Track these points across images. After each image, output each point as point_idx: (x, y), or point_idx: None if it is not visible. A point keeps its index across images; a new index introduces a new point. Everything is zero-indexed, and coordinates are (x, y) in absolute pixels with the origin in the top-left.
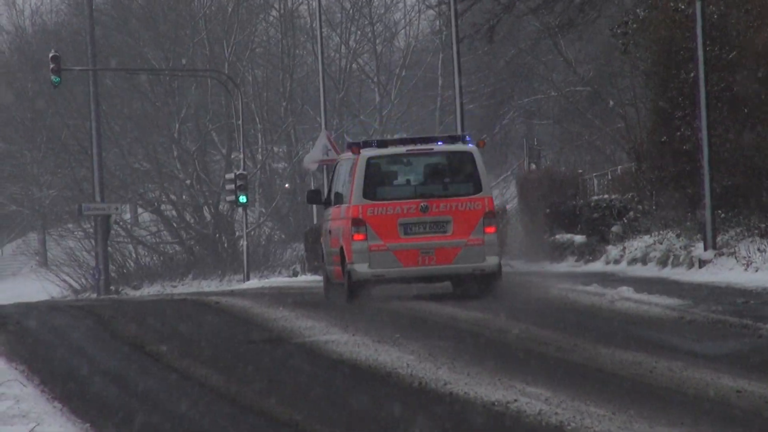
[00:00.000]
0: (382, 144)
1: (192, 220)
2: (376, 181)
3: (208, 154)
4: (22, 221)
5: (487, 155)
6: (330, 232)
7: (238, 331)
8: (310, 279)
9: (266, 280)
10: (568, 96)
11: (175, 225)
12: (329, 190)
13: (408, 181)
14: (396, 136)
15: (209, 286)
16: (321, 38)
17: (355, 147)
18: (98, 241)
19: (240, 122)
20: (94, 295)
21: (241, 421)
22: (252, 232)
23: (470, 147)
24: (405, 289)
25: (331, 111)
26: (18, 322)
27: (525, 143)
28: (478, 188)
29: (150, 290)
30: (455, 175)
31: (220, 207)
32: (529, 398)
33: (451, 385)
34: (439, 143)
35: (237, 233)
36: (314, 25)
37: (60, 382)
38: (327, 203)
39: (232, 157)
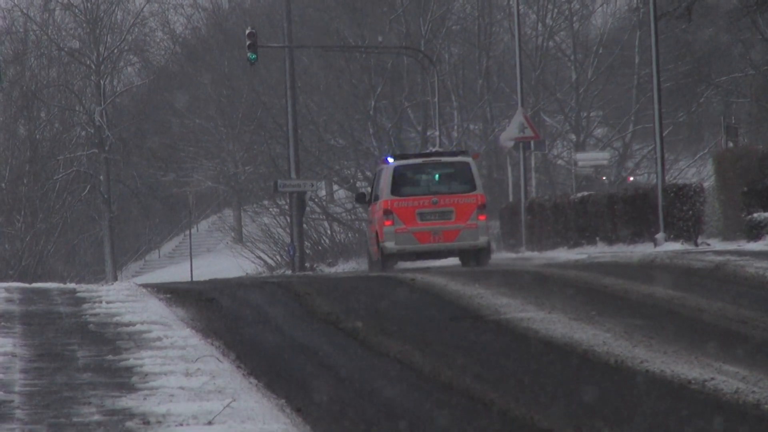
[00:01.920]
0: (405, 157)
1: None
2: (401, 183)
3: (404, 132)
4: (218, 198)
5: (683, 133)
6: (371, 222)
7: (434, 308)
8: (506, 257)
9: None
10: (767, 74)
11: None
12: (371, 193)
13: (423, 182)
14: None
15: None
16: (518, 16)
17: (386, 159)
18: (293, 218)
19: (436, 100)
20: (289, 272)
21: (438, 398)
22: None
23: (467, 158)
24: (602, 267)
25: (527, 89)
26: (213, 298)
27: (722, 121)
28: (473, 188)
29: (345, 267)
30: (456, 179)
31: None
32: (726, 377)
33: (648, 363)
34: (445, 156)
35: None
36: (511, 2)
37: (255, 358)
38: (369, 203)
39: (428, 134)
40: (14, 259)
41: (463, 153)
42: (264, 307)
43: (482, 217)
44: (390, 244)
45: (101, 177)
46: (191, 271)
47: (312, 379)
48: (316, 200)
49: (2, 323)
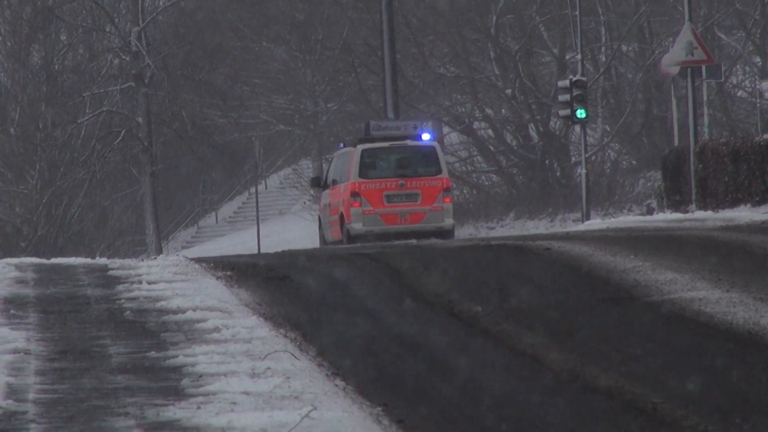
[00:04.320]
0: (371, 140)
1: (514, 142)
2: (368, 165)
3: (536, 55)
4: (292, 144)
5: None
6: (329, 205)
7: (576, 286)
8: (670, 218)
9: (612, 220)
10: None
11: (491, 148)
12: (326, 177)
13: (390, 165)
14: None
15: (537, 227)
16: None
17: (351, 143)
18: None
19: (577, 13)
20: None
21: (583, 404)
22: (593, 157)
23: (433, 142)
24: None
25: None
26: (287, 276)
27: None
28: (439, 171)
29: (459, 233)
30: (423, 162)
31: (551, 124)
32: None
33: None
34: (410, 140)
35: (573, 159)
36: None
37: (342, 353)
38: (325, 186)
39: (567, 58)
40: (27, 226)
41: (430, 137)
42: (354, 288)
43: (447, 200)
44: (357, 226)
45: (140, 119)
46: (258, 240)
47: (417, 381)
48: None
49: (12, 311)
